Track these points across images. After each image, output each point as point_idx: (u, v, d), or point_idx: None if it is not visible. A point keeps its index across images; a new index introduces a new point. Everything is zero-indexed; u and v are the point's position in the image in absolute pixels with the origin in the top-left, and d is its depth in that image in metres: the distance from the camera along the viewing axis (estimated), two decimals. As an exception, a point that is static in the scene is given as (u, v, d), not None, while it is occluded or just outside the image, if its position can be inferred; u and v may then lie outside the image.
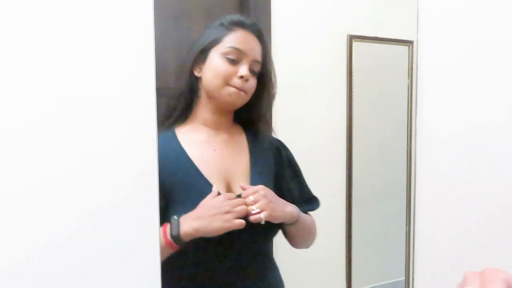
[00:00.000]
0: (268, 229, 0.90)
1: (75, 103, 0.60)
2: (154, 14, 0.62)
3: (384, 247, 1.43)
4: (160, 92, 0.65)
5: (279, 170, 0.97)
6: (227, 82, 0.87)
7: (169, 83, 0.97)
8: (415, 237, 1.07)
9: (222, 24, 0.91)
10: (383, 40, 1.34)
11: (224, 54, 0.87)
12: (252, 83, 0.89)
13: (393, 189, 1.41)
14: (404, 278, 1.35)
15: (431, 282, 1.06)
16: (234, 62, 0.87)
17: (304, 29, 1.26)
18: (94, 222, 0.62)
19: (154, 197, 0.63)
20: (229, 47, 0.87)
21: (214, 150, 0.90)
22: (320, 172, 1.32)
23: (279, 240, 1.26)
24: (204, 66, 0.88)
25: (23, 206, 0.59)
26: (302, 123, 1.28)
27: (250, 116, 0.96)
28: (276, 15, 1.22)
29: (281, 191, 0.94)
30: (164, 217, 0.81)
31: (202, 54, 0.88)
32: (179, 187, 0.84)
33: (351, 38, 1.30)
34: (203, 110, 0.90)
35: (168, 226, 0.81)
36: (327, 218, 1.35)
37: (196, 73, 0.89)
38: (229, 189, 0.89)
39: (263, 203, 0.84)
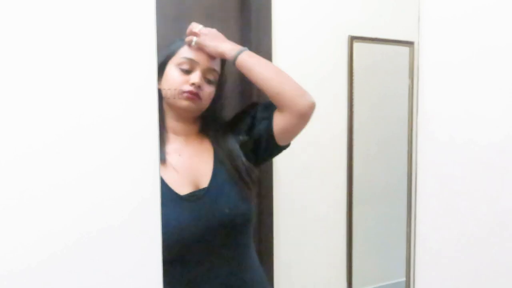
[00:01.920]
0: (231, 234, 0.95)
1: (76, 105, 0.60)
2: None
3: (385, 248, 1.43)
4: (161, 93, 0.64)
5: (245, 137, 1.01)
6: (180, 89, 0.92)
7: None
8: (416, 238, 1.07)
9: (180, 39, 0.96)
10: (384, 41, 1.34)
11: (178, 65, 0.93)
12: (208, 90, 0.95)
13: (394, 190, 1.41)
14: (405, 279, 1.35)
15: (432, 283, 1.06)
16: (187, 71, 0.93)
17: (304, 29, 1.26)
18: (94, 224, 0.62)
19: (156, 199, 0.63)
20: (182, 57, 0.93)
21: (179, 155, 0.95)
22: (320, 172, 1.32)
23: (280, 241, 1.26)
24: (162, 79, 0.93)
25: (24, 209, 0.59)
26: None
27: (214, 122, 1.01)
28: (276, 15, 1.21)
29: (254, 137, 0.99)
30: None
31: (160, 69, 0.92)
32: None
33: (352, 39, 1.30)
34: (169, 120, 0.95)
35: None
36: (327, 219, 1.35)
37: (159, 87, 0.91)
38: (197, 187, 0.94)
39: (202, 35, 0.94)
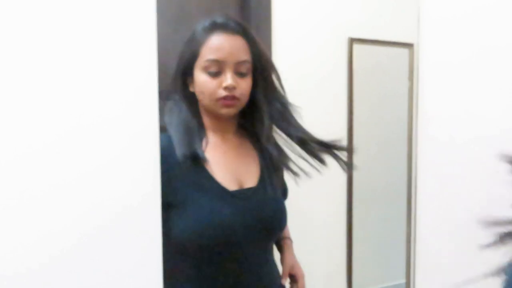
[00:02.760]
0: (267, 238, 0.94)
1: (78, 107, 0.60)
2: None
3: (384, 250, 1.43)
4: (162, 94, 0.65)
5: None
6: (215, 96, 0.85)
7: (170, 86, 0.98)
8: (416, 239, 1.07)
9: (196, 33, 0.87)
10: (383, 43, 1.34)
11: (205, 69, 0.84)
12: (243, 85, 0.86)
13: (393, 191, 1.41)
14: (405, 280, 1.35)
15: (432, 285, 1.06)
16: (217, 73, 0.84)
17: (304, 31, 1.27)
18: (94, 226, 0.62)
19: (156, 202, 0.63)
20: (206, 60, 0.84)
21: (225, 152, 0.91)
22: (320, 174, 1.32)
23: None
24: (193, 83, 0.87)
25: (24, 208, 0.59)
26: (303, 124, 1.28)
27: (252, 117, 0.93)
28: (276, 18, 1.22)
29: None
30: (169, 217, 0.81)
31: (189, 73, 0.87)
32: (191, 189, 0.86)
33: (352, 41, 1.31)
34: (206, 118, 0.90)
35: None
36: (328, 221, 1.35)
37: (191, 89, 0.89)
38: (241, 185, 0.90)
39: None
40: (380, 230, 1.42)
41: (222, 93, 0.84)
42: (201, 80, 0.84)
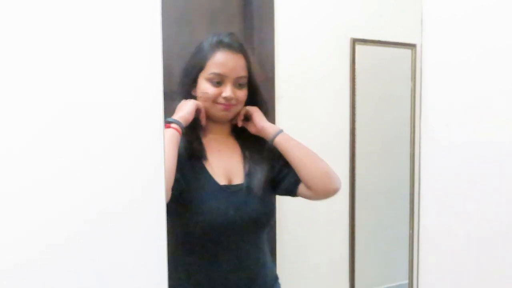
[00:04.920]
0: (256, 229, 1.03)
1: (83, 108, 0.61)
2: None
3: (387, 250, 1.43)
4: (166, 96, 0.65)
5: (275, 166, 1.07)
6: (215, 102, 1.00)
7: (174, 87, 1.03)
8: (419, 240, 1.07)
9: (203, 48, 1.01)
10: (386, 43, 1.34)
11: (208, 80, 0.99)
12: (240, 94, 1.02)
13: (396, 192, 1.41)
14: (407, 281, 1.35)
15: (435, 286, 1.06)
16: (218, 83, 0.99)
17: (307, 32, 1.27)
18: (99, 224, 0.62)
19: (161, 199, 0.63)
20: (211, 73, 0.99)
21: (219, 151, 1.05)
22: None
23: (282, 243, 1.26)
24: (196, 89, 1.01)
25: (26, 207, 0.59)
26: (305, 126, 1.28)
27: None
28: (279, 18, 1.22)
29: (280, 179, 1.07)
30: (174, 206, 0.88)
31: (194, 81, 1.01)
32: (188, 180, 0.97)
33: (354, 41, 1.31)
34: (208, 122, 1.04)
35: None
36: (330, 221, 1.35)
37: (194, 94, 1.02)
38: (230, 181, 1.03)
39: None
40: (382, 230, 1.42)
41: (221, 100, 1.00)
42: (204, 88, 1.00)
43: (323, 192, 1.06)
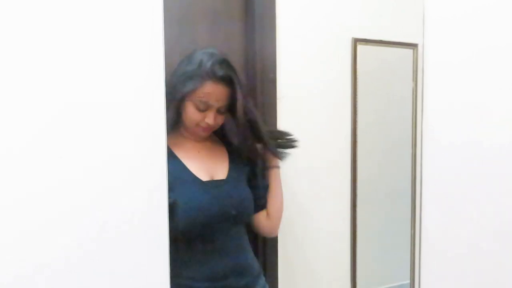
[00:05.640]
0: (238, 221, 1.10)
1: (85, 109, 0.61)
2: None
3: (389, 250, 1.43)
4: (168, 96, 0.65)
5: (253, 172, 1.18)
6: (197, 124, 1.08)
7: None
8: (421, 240, 1.07)
9: (197, 75, 1.06)
10: (387, 43, 1.34)
11: (195, 105, 1.06)
12: (218, 120, 1.11)
13: (398, 192, 1.41)
14: (409, 281, 1.35)
15: (437, 286, 1.06)
16: (203, 111, 1.07)
17: (308, 32, 1.27)
18: (102, 227, 0.62)
19: (163, 201, 0.63)
20: (199, 100, 1.06)
21: (198, 152, 1.12)
22: (325, 175, 1.32)
23: (284, 243, 1.26)
24: (183, 108, 1.08)
25: (27, 209, 0.59)
26: (307, 126, 1.28)
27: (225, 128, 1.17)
28: (280, 19, 1.22)
29: (255, 187, 1.16)
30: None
31: (182, 100, 1.07)
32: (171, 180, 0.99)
33: (356, 41, 1.31)
34: (188, 132, 1.12)
35: None
36: (332, 222, 1.35)
37: (181, 109, 1.09)
38: (213, 178, 1.11)
39: None
40: (384, 231, 1.42)
41: (203, 124, 1.08)
42: (191, 111, 1.08)
43: (274, 227, 1.19)
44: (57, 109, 0.60)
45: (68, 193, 0.61)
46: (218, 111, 1.09)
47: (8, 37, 0.58)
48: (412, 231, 1.33)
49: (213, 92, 1.06)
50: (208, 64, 1.06)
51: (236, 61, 1.12)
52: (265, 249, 1.25)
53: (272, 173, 1.17)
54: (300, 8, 1.26)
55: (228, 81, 1.08)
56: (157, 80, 0.63)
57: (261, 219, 1.17)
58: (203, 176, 1.08)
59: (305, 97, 1.28)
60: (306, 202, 1.29)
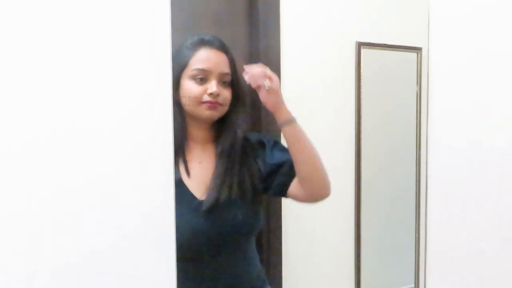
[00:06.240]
0: (237, 241, 0.99)
1: (92, 114, 0.61)
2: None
3: (393, 254, 1.42)
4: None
5: (267, 164, 1.02)
6: (200, 100, 0.94)
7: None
8: (426, 243, 1.06)
9: (185, 47, 0.97)
10: (391, 47, 1.34)
11: (192, 77, 0.94)
12: (226, 93, 0.97)
13: (402, 196, 1.40)
14: (413, 285, 1.35)
15: (442, 290, 1.06)
16: (202, 80, 0.94)
17: (312, 36, 1.27)
18: (106, 228, 0.62)
19: (170, 208, 0.63)
20: (194, 69, 0.94)
21: (200, 162, 0.99)
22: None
23: (288, 247, 1.26)
24: (180, 91, 0.95)
25: (35, 213, 0.59)
26: (311, 130, 1.28)
27: (225, 127, 1.01)
28: (285, 22, 1.22)
29: (269, 183, 1.01)
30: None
31: (176, 82, 0.95)
32: None
33: (360, 45, 1.31)
34: (192, 129, 0.99)
35: None
36: (336, 225, 1.34)
37: (177, 99, 0.96)
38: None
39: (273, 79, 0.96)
40: (388, 234, 1.41)
41: (207, 98, 0.94)
42: (188, 87, 0.94)
43: (315, 195, 1.02)
44: (61, 110, 0.60)
45: (71, 195, 0.61)
46: (221, 83, 0.96)
47: (19, 44, 0.58)
48: (417, 234, 1.32)
49: (207, 56, 0.95)
50: (195, 37, 0.97)
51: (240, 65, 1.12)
52: (268, 252, 1.25)
53: (287, 132, 0.97)
54: (304, 13, 1.27)
55: (221, 46, 0.98)
56: (164, 84, 0.63)
57: (297, 194, 1.00)
58: (201, 194, 0.96)
59: (309, 101, 1.28)
60: (309, 206, 1.28)
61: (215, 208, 0.95)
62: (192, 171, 0.97)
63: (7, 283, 0.58)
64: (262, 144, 1.05)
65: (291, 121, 0.98)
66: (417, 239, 1.32)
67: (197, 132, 1.00)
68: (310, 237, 1.31)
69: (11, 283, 0.59)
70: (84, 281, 0.62)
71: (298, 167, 0.98)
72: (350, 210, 1.34)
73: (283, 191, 1.02)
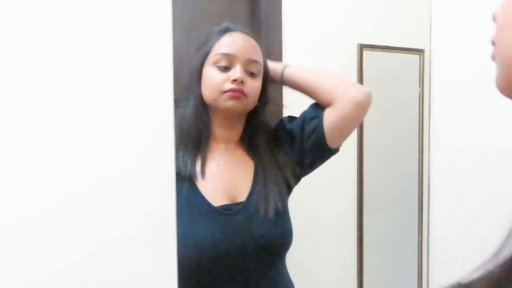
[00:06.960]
0: (263, 255, 0.85)
1: (92, 114, 0.61)
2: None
3: (396, 257, 1.42)
4: (176, 103, 0.65)
5: (298, 147, 0.92)
6: (221, 89, 0.82)
7: (183, 94, 0.99)
8: (428, 247, 1.06)
9: (210, 36, 0.87)
10: (393, 49, 1.34)
11: (215, 64, 0.82)
12: (252, 84, 0.84)
13: (404, 198, 1.40)
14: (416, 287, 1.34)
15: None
16: (226, 68, 0.82)
17: (314, 38, 1.27)
18: (106, 234, 0.62)
19: (171, 214, 0.63)
20: (216, 55, 0.82)
21: (218, 164, 0.87)
22: (331, 181, 1.31)
23: (290, 250, 1.26)
24: (201, 83, 0.84)
25: (37, 216, 0.59)
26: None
27: (254, 125, 0.91)
28: (287, 24, 1.22)
29: (302, 136, 0.90)
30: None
31: (198, 74, 0.85)
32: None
33: (362, 47, 1.30)
34: (214, 127, 0.87)
35: None
36: (338, 228, 1.34)
37: (200, 92, 0.86)
38: (233, 200, 0.85)
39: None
40: (391, 237, 1.41)
41: (229, 85, 0.81)
42: (209, 74, 0.82)
43: (352, 97, 0.86)
44: (62, 110, 0.60)
45: (72, 195, 0.61)
46: (248, 72, 0.83)
47: (20, 45, 0.58)
48: (420, 237, 1.32)
49: (233, 41, 0.83)
50: (222, 26, 0.86)
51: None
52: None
53: (291, 73, 0.89)
54: (306, 14, 1.26)
55: (250, 34, 0.86)
56: (165, 85, 0.63)
57: (333, 118, 0.86)
58: (218, 200, 0.82)
59: (311, 102, 1.28)
60: (311, 209, 1.28)
61: (237, 215, 0.83)
62: (207, 173, 0.84)
63: (7, 283, 0.58)
64: (282, 125, 0.95)
65: (285, 66, 0.90)
66: (419, 241, 1.31)
67: (219, 130, 0.87)
68: (312, 240, 1.31)
69: (12, 283, 0.58)
70: (84, 281, 0.61)
71: (318, 91, 0.88)
72: (352, 212, 1.34)
73: (320, 129, 0.88)
